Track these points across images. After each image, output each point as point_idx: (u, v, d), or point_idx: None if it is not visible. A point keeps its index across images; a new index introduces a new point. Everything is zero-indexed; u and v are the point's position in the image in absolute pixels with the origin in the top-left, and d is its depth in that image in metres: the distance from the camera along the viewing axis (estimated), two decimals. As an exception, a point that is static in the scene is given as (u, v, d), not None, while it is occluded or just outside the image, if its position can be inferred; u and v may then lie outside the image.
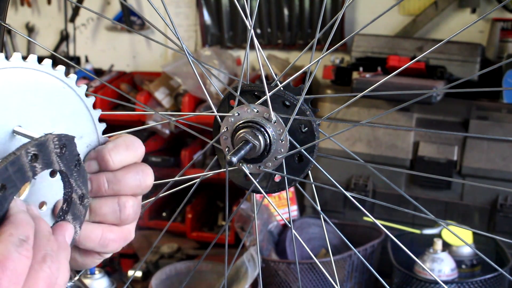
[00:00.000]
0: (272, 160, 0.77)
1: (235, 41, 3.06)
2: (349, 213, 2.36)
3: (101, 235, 0.61)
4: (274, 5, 2.92)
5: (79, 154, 0.57)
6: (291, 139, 0.76)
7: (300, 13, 2.91)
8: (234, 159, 0.72)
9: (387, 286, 0.78)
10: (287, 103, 0.76)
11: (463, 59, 2.32)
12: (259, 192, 0.79)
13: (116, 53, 3.32)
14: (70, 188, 0.57)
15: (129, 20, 3.10)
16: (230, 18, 3.05)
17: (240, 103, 0.77)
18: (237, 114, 0.77)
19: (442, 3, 2.66)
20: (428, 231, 2.01)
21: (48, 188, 0.57)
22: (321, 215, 0.83)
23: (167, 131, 2.89)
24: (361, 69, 2.35)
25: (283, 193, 2.13)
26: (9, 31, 3.30)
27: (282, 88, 0.76)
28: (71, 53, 3.16)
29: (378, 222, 0.86)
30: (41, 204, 0.57)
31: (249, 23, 0.75)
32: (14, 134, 0.53)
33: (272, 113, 0.75)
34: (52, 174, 0.57)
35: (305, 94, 0.75)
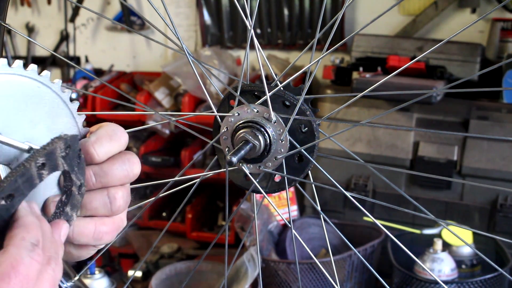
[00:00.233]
0: (272, 160, 0.77)
1: (235, 41, 3.06)
2: (349, 213, 2.36)
3: (94, 229, 0.61)
4: (274, 5, 2.92)
5: (80, 149, 0.57)
6: (291, 139, 0.76)
7: (300, 13, 2.91)
8: (234, 159, 0.72)
9: (387, 286, 0.78)
10: (287, 103, 0.76)
11: (463, 59, 2.32)
12: (259, 192, 0.79)
13: (116, 53, 3.32)
14: (70, 182, 0.57)
15: (129, 20, 3.10)
16: (230, 18, 3.05)
17: (240, 103, 0.77)
18: (237, 114, 0.77)
19: (442, 3, 2.66)
20: (428, 231, 2.01)
21: (40, 187, 0.58)
22: (321, 215, 0.83)
23: (167, 131, 2.89)
24: (361, 69, 2.35)
25: (283, 193, 2.13)
26: (9, 31, 3.30)
27: (282, 88, 0.76)
28: (71, 53, 3.16)
29: (378, 222, 0.86)
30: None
31: (249, 23, 0.75)
32: None
33: (272, 113, 0.75)
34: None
35: (305, 94, 0.75)
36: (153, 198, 0.87)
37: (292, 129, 0.76)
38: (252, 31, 0.74)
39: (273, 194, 2.01)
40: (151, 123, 2.70)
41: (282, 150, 0.76)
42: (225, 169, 0.81)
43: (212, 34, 3.09)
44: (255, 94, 0.77)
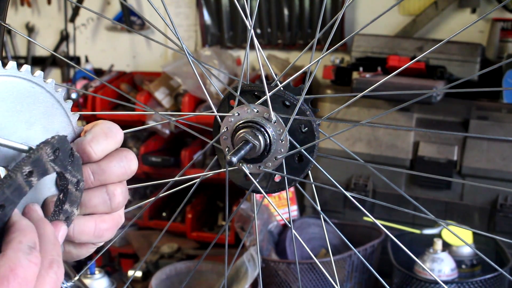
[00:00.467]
0: (272, 160, 0.77)
1: (235, 41, 3.06)
2: (349, 213, 2.36)
3: (95, 227, 0.61)
4: (274, 5, 2.92)
5: (71, 148, 0.57)
6: (291, 139, 0.76)
7: (300, 13, 2.91)
8: (234, 159, 0.72)
9: (387, 286, 0.78)
10: (287, 103, 0.76)
11: (463, 59, 2.32)
12: (259, 192, 0.79)
13: (116, 53, 3.32)
14: (65, 181, 0.57)
15: (129, 20, 3.10)
16: (230, 18, 3.05)
17: (240, 103, 0.77)
18: (237, 114, 0.77)
19: (442, 3, 2.66)
20: (428, 231, 2.01)
21: (39, 188, 0.58)
22: (321, 215, 0.83)
23: (167, 131, 2.89)
24: (361, 69, 2.35)
25: (283, 193, 2.13)
26: (9, 31, 3.30)
27: (282, 88, 0.76)
28: (71, 53, 3.16)
29: (378, 222, 0.86)
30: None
31: (249, 23, 0.75)
32: None
33: (272, 113, 0.75)
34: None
35: (305, 94, 0.75)
36: (153, 198, 0.87)
37: (292, 129, 0.76)
38: (252, 31, 0.74)
39: (273, 194, 2.01)
40: (151, 123, 2.70)
41: (282, 150, 0.76)
42: (225, 169, 0.81)
43: (212, 34, 3.09)
44: (255, 94, 0.77)
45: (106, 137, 0.60)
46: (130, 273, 2.53)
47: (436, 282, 1.85)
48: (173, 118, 0.88)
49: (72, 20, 3.12)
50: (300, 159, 0.78)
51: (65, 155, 0.55)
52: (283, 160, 0.77)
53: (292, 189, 2.14)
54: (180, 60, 2.88)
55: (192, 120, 2.22)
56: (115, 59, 3.30)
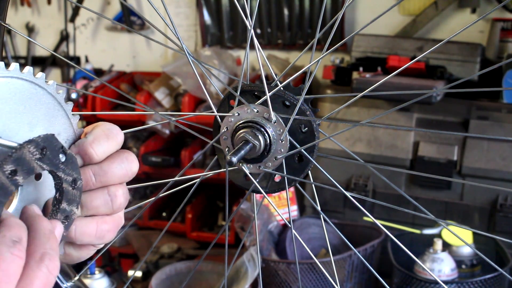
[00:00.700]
0: (272, 160, 0.77)
1: (235, 41, 3.06)
2: (349, 213, 2.36)
3: (96, 228, 0.61)
4: (274, 5, 2.92)
5: (62, 146, 0.56)
6: (291, 139, 0.76)
7: (300, 13, 2.91)
8: (234, 159, 0.72)
9: (387, 286, 0.78)
10: (287, 103, 0.76)
11: (463, 59, 2.32)
12: (259, 192, 0.79)
13: (116, 53, 3.32)
14: (59, 179, 0.57)
15: (129, 20, 3.10)
16: (230, 18, 3.05)
17: (240, 103, 0.77)
18: (237, 114, 0.77)
19: (442, 3, 2.66)
20: (428, 231, 2.01)
21: (40, 190, 0.58)
22: (321, 215, 0.83)
23: (167, 131, 2.89)
24: (361, 69, 2.35)
25: (283, 193, 2.13)
26: (9, 31, 3.30)
27: (282, 88, 0.76)
28: (71, 53, 3.16)
29: (378, 222, 0.87)
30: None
31: (249, 23, 0.75)
32: None
33: (272, 113, 0.75)
34: (37, 178, 0.58)
35: (305, 94, 0.75)
36: (153, 198, 0.87)
37: (292, 129, 0.76)
38: (252, 31, 0.74)
39: (273, 194, 2.01)
40: (151, 123, 2.70)
41: (282, 150, 0.76)
42: (225, 169, 0.81)
43: (212, 34, 3.09)
44: (255, 94, 0.77)
45: (107, 138, 0.61)
46: (130, 273, 2.53)
47: (436, 282, 1.85)
48: (173, 118, 0.88)
49: (72, 20, 3.12)
50: (300, 159, 0.78)
51: (54, 153, 0.55)
52: (283, 160, 0.77)
53: (292, 189, 2.14)
54: (180, 60, 2.88)
55: (192, 120, 2.22)
56: (115, 59, 3.30)
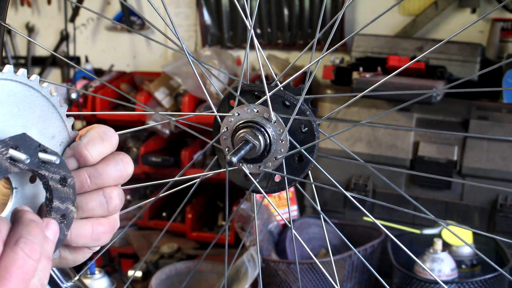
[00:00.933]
0: (272, 160, 0.77)
1: (235, 41, 3.06)
2: (349, 213, 2.36)
3: (92, 230, 0.61)
4: (274, 5, 2.92)
5: (39, 144, 0.56)
6: (291, 139, 0.76)
7: (300, 13, 2.91)
8: (234, 159, 0.72)
9: (387, 286, 0.78)
10: (287, 103, 0.76)
11: (463, 59, 2.32)
12: (259, 192, 0.79)
13: (116, 53, 3.32)
14: (44, 178, 0.57)
15: (129, 20, 3.10)
16: (230, 18, 3.05)
17: (240, 103, 0.77)
18: (237, 114, 0.77)
19: (442, 3, 2.66)
20: (428, 231, 2.01)
21: (32, 191, 0.58)
22: (321, 215, 0.83)
23: (167, 131, 2.89)
24: (361, 69, 2.35)
25: (283, 193, 2.13)
26: (9, 31, 3.30)
27: (282, 88, 0.76)
28: (71, 53, 3.16)
29: (378, 222, 0.86)
30: None
31: (249, 23, 0.75)
32: None
33: (272, 113, 0.75)
34: (31, 180, 0.58)
35: (305, 94, 0.75)
36: (153, 198, 0.87)
37: (292, 129, 0.76)
38: (252, 31, 0.74)
39: (273, 194, 2.01)
40: (151, 123, 2.70)
41: (282, 150, 0.76)
42: (225, 169, 0.81)
43: (212, 34, 3.09)
44: (255, 94, 0.77)
45: (102, 140, 0.61)
46: (130, 273, 2.53)
47: (436, 282, 1.85)
48: (173, 118, 0.88)
49: (72, 20, 3.12)
50: (300, 159, 0.78)
51: (30, 152, 0.55)
52: (283, 160, 0.77)
53: (292, 189, 2.14)
54: (180, 60, 2.88)
55: (192, 120, 2.22)
56: (115, 59, 3.30)
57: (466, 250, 1.97)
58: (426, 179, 2.27)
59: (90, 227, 0.61)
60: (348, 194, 0.78)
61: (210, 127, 0.82)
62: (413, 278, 1.88)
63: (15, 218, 0.52)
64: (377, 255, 2.11)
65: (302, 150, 0.76)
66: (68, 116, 0.62)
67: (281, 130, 0.75)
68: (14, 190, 0.56)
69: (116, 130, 0.66)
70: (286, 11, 2.93)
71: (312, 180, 0.81)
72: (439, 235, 1.96)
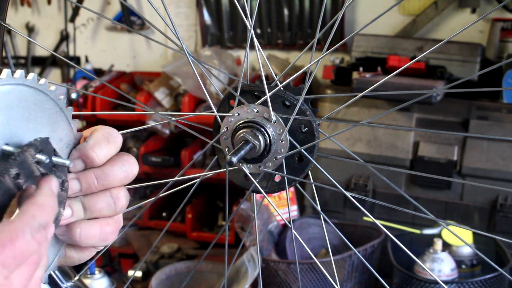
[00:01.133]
0: (272, 160, 0.77)
1: (235, 41, 3.06)
2: (349, 213, 2.36)
3: (100, 231, 0.62)
4: (274, 5, 2.92)
5: (54, 149, 0.57)
6: (291, 139, 0.76)
7: (300, 13, 2.91)
8: (234, 159, 0.72)
9: (387, 286, 0.78)
10: (287, 103, 0.76)
11: (463, 59, 2.32)
12: (259, 192, 0.79)
13: (116, 53, 3.32)
14: None
15: (129, 20, 3.10)
16: (230, 18, 3.05)
17: (240, 103, 0.77)
18: (237, 114, 0.77)
19: (442, 3, 2.66)
20: (428, 231, 2.01)
21: None
22: (321, 215, 0.83)
23: (167, 131, 2.89)
24: (361, 69, 2.35)
25: (283, 193, 2.13)
26: (9, 31, 3.30)
27: (282, 88, 0.76)
28: (71, 53, 3.16)
29: (378, 222, 0.87)
30: None
31: (249, 23, 0.75)
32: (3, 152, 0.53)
33: (272, 113, 0.75)
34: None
35: (305, 94, 0.75)
36: (153, 198, 0.87)
37: (292, 129, 0.76)
38: (252, 31, 0.74)
39: (273, 194, 2.01)
40: (151, 123, 2.70)
41: (282, 150, 0.76)
42: (225, 169, 0.81)
43: (212, 34, 3.09)
44: (255, 94, 0.77)
45: (107, 142, 0.61)
46: (130, 273, 2.53)
47: (436, 282, 1.85)
48: (173, 118, 0.88)
49: (72, 20, 3.12)
50: (300, 159, 0.78)
51: (49, 156, 0.56)
52: (283, 160, 0.77)
53: (292, 189, 2.14)
54: (180, 60, 2.88)
55: (192, 120, 2.22)
56: (115, 59, 3.30)
57: (466, 250, 1.97)
58: (426, 179, 2.27)
59: (98, 227, 0.62)
60: (348, 194, 0.78)
61: (210, 127, 0.82)
62: (413, 278, 1.88)
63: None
64: (377, 255, 2.11)
65: (302, 150, 0.76)
66: (73, 117, 0.62)
67: (281, 130, 0.75)
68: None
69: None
70: (286, 11, 2.93)
71: (312, 180, 0.81)
72: (439, 235, 1.96)
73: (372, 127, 2.36)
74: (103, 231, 0.62)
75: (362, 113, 2.34)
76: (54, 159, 0.56)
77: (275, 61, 2.87)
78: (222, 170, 0.82)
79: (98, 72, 3.27)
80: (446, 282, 1.86)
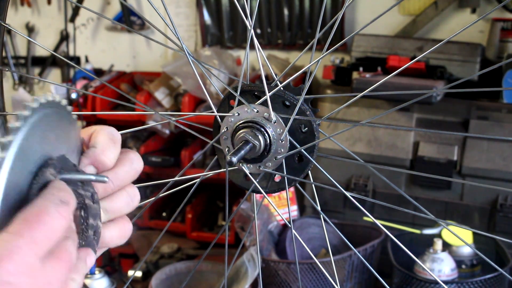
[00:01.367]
0: (272, 160, 0.77)
1: (235, 41, 3.06)
2: (349, 213, 2.36)
3: (123, 229, 0.65)
4: (274, 5, 2.92)
5: (75, 165, 0.59)
6: (291, 139, 0.76)
7: (300, 13, 2.91)
8: (234, 159, 0.72)
9: (387, 286, 0.78)
10: (287, 103, 0.76)
11: (463, 59, 2.32)
12: (259, 192, 0.80)
13: (116, 53, 3.32)
14: (81, 197, 0.58)
15: (129, 20, 3.10)
16: (230, 18, 3.05)
17: (240, 103, 0.77)
18: (237, 114, 0.77)
19: (442, 3, 2.66)
20: (428, 231, 2.01)
21: None
22: (321, 215, 0.83)
23: (167, 131, 2.89)
24: (361, 69, 2.35)
25: (283, 193, 2.13)
26: (9, 31, 3.30)
27: (282, 88, 0.76)
28: (71, 53, 3.16)
29: (378, 222, 0.87)
30: None
31: (249, 23, 0.75)
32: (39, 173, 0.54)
33: (272, 113, 0.75)
34: None
35: (305, 94, 0.75)
36: (153, 198, 0.87)
37: (292, 129, 0.76)
38: (252, 31, 0.75)
39: (273, 194, 2.01)
40: (151, 123, 2.70)
41: (282, 150, 0.76)
42: (225, 169, 0.81)
43: (212, 34, 3.09)
44: (255, 94, 0.77)
45: (114, 143, 0.63)
46: (130, 273, 2.52)
47: (436, 282, 1.85)
48: (173, 118, 0.88)
49: (72, 20, 3.12)
50: (300, 159, 0.78)
51: (71, 172, 0.57)
52: (283, 160, 0.77)
53: (292, 189, 2.14)
54: (180, 60, 2.88)
55: (192, 120, 2.21)
56: (115, 59, 3.30)
57: (466, 250, 1.97)
58: (426, 179, 2.27)
59: (120, 227, 0.64)
60: (348, 194, 0.78)
61: (210, 127, 0.82)
62: (413, 278, 1.88)
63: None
64: (377, 255, 2.11)
65: (302, 150, 0.76)
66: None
67: (281, 130, 0.75)
68: None
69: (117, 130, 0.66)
70: (286, 11, 2.93)
71: (312, 180, 0.81)
72: (439, 235, 1.96)
73: (372, 127, 2.36)
74: (125, 229, 0.65)
75: (362, 113, 2.34)
76: (89, 177, 0.57)
77: (275, 61, 2.86)
78: (222, 170, 0.82)
79: (98, 72, 3.27)
80: (446, 282, 1.86)
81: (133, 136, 3.04)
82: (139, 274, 2.51)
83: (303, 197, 2.42)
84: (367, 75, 2.30)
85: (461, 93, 2.22)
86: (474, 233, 1.95)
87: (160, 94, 2.89)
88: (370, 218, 0.78)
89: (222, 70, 1.08)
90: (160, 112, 0.86)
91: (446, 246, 1.94)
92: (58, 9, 3.35)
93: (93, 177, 0.58)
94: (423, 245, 1.95)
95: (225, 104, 0.79)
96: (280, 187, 0.80)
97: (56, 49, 3.31)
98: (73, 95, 2.93)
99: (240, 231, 2.21)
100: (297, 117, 0.75)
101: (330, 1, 2.82)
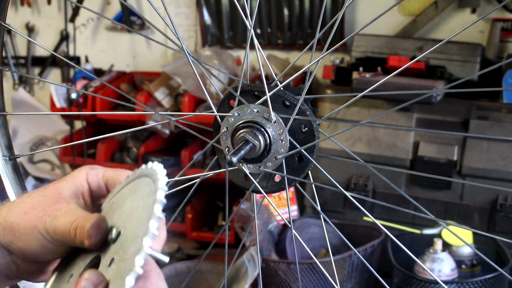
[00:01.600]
0: (272, 160, 0.77)
1: (235, 41, 3.06)
2: (349, 213, 2.36)
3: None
4: (274, 5, 2.92)
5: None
6: (291, 139, 0.76)
7: (300, 13, 2.91)
8: (234, 159, 0.72)
9: (387, 286, 0.78)
10: (287, 103, 0.76)
11: (463, 59, 2.32)
12: (259, 192, 0.79)
13: (116, 53, 3.32)
14: None
15: (129, 20, 3.10)
16: (230, 18, 3.05)
17: (240, 103, 0.77)
18: (237, 114, 0.77)
19: (442, 3, 2.66)
20: (428, 231, 2.01)
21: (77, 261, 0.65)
22: (321, 215, 0.83)
23: (167, 131, 2.89)
24: (361, 69, 2.35)
25: (283, 193, 2.13)
26: (9, 31, 3.30)
27: (282, 88, 0.76)
28: (71, 53, 3.16)
29: (378, 222, 0.87)
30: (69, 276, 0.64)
31: (249, 23, 0.75)
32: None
33: (272, 113, 0.75)
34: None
35: (305, 94, 0.75)
36: (153, 198, 0.86)
37: (292, 129, 0.76)
38: (252, 31, 0.75)
39: (273, 194, 2.01)
40: (151, 123, 2.70)
41: (282, 150, 0.76)
42: (225, 169, 0.81)
43: (212, 34, 3.09)
44: (255, 94, 0.77)
45: (163, 228, 0.70)
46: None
47: (436, 282, 1.85)
48: (173, 118, 0.88)
49: (72, 20, 3.12)
50: (300, 159, 0.78)
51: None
52: (283, 160, 0.77)
53: (292, 189, 2.14)
54: (180, 60, 2.88)
55: (192, 120, 2.22)
56: (115, 59, 3.30)
57: (466, 250, 1.97)
58: (426, 179, 2.27)
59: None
60: (348, 194, 0.78)
61: (210, 127, 0.82)
62: (413, 278, 1.88)
63: None
64: (377, 255, 2.11)
65: (302, 150, 0.76)
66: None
67: (281, 130, 0.75)
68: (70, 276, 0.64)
69: (116, 130, 0.66)
70: (286, 11, 2.93)
71: (312, 180, 0.81)
72: (439, 235, 1.96)
73: (372, 127, 2.36)
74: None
75: (362, 113, 2.34)
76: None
77: (275, 61, 2.86)
78: (222, 170, 0.82)
79: (98, 72, 3.27)
80: (446, 282, 1.86)
81: (133, 136, 3.04)
82: (139, 274, 2.50)
83: (303, 197, 2.42)
84: (367, 75, 2.30)
85: (461, 93, 2.22)
86: (474, 233, 1.95)
87: (160, 94, 2.89)
88: (370, 218, 0.78)
89: (222, 70, 1.08)
90: (160, 112, 0.86)
91: (446, 246, 1.94)
92: (58, 9, 3.35)
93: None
94: (423, 245, 1.95)
95: (225, 104, 0.79)
96: (280, 187, 0.80)
97: (56, 49, 3.31)
98: (73, 95, 2.93)
99: (240, 231, 2.21)
100: (297, 117, 0.75)
101: (330, 1, 2.82)
